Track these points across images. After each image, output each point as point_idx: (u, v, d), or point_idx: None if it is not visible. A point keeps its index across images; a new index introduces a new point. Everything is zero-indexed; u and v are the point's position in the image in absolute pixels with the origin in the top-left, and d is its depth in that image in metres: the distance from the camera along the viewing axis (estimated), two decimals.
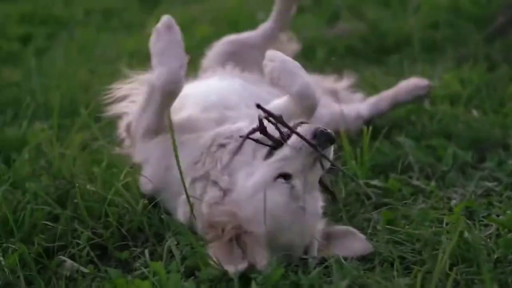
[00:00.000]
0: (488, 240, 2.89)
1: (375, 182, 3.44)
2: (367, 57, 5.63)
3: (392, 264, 2.78)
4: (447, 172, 3.60)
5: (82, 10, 7.78)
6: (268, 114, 2.82)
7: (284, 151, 2.82)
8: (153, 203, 3.17)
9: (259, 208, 2.73)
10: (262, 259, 2.70)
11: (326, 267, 2.76)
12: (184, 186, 2.93)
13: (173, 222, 3.04)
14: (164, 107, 3.07)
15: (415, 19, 5.84)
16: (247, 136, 2.88)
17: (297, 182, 2.77)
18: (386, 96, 4.24)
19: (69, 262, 2.99)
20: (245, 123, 3.02)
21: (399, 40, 5.68)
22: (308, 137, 2.77)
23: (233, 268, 2.65)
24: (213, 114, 3.17)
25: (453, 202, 3.31)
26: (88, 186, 3.36)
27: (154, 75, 3.08)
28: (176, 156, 2.93)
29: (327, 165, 2.84)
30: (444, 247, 2.69)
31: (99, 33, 7.06)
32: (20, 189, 3.50)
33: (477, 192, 3.41)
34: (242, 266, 2.67)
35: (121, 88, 3.39)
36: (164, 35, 3.11)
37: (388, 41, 5.71)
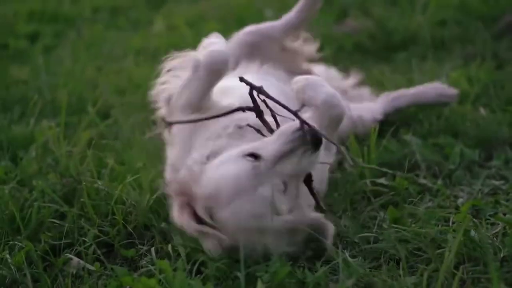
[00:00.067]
0: (495, 238, 2.88)
1: (382, 180, 3.43)
2: (375, 54, 5.62)
3: (398, 263, 2.78)
4: (454, 170, 3.59)
5: (90, 8, 7.78)
6: (251, 87, 2.86)
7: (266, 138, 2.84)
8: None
9: (213, 174, 2.76)
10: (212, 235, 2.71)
11: (333, 265, 2.76)
12: None
13: None
14: (207, 85, 3.10)
15: (423, 17, 5.81)
16: (234, 110, 2.93)
17: (262, 165, 2.73)
18: (406, 93, 4.25)
19: (75, 259, 3.00)
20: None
21: (406, 37, 5.66)
22: (293, 128, 2.76)
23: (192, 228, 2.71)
24: None
25: (459, 200, 3.30)
26: (95, 184, 3.37)
27: (201, 54, 3.14)
28: None
29: (312, 163, 2.79)
30: (450, 246, 2.68)
31: (106, 31, 7.07)
32: (27, 187, 3.52)
33: (484, 191, 3.40)
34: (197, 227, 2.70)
35: (169, 62, 3.38)
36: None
37: (396, 38, 5.69)
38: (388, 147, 3.74)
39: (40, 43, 6.64)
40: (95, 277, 2.89)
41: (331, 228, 2.85)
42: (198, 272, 2.77)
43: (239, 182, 2.70)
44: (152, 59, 5.81)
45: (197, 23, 6.73)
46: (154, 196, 3.27)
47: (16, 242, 3.09)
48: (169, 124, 3.03)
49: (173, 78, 3.31)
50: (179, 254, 2.89)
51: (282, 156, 2.74)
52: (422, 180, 3.49)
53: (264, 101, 2.92)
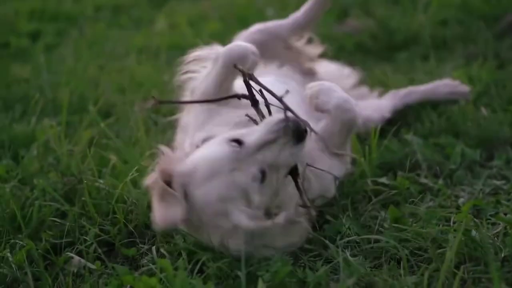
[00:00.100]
0: (496, 238, 2.88)
1: (383, 179, 3.43)
2: (376, 54, 5.61)
3: (399, 262, 2.78)
4: (455, 170, 3.59)
5: (92, 7, 7.78)
6: (243, 74, 2.89)
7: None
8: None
9: (196, 153, 2.80)
10: (176, 203, 2.69)
11: (333, 264, 2.76)
12: None
13: None
14: (223, 76, 3.13)
15: (424, 16, 5.81)
16: (228, 97, 2.97)
17: (243, 151, 2.73)
18: (417, 90, 4.26)
19: (76, 258, 3.01)
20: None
21: (408, 37, 5.65)
22: (278, 119, 2.77)
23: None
24: None
25: (460, 200, 3.30)
26: (96, 183, 3.37)
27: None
28: None
29: (293, 155, 2.78)
30: (451, 245, 2.68)
31: (108, 29, 7.07)
32: (28, 186, 3.52)
33: (485, 191, 3.40)
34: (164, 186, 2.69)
35: (196, 53, 3.40)
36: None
37: (398, 38, 5.69)
38: (389, 147, 3.74)
39: (41, 42, 6.64)
40: (96, 276, 2.89)
41: (305, 228, 2.85)
42: (199, 271, 2.77)
43: (216, 163, 2.72)
44: (154, 57, 5.83)
45: (198, 22, 6.74)
46: None
47: (17, 241, 3.10)
48: (159, 103, 2.99)
49: (200, 68, 3.36)
50: (180, 253, 2.89)
51: (263, 145, 2.74)
52: (423, 180, 3.49)
53: (260, 90, 2.92)
